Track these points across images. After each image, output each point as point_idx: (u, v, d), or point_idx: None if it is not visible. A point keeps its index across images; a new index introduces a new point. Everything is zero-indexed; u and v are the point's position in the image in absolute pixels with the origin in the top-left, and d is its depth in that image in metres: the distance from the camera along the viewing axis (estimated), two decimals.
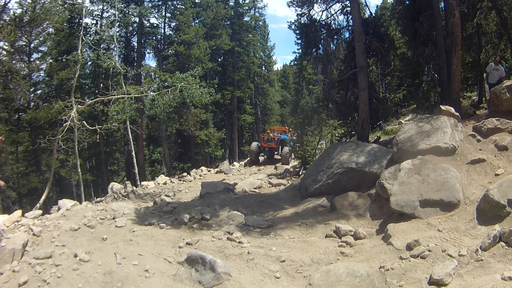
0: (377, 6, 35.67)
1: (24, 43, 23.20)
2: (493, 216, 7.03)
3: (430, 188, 8.34)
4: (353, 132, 17.16)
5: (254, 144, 28.86)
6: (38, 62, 25.80)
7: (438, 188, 8.23)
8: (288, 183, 16.53)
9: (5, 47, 17.80)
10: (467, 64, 15.91)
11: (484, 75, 13.95)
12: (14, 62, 19.68)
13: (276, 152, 28.53)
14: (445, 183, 8.27)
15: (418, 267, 6.22)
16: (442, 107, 11.12)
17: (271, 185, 16.37)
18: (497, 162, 9.02)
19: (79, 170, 20.02)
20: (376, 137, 17.04)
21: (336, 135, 19.99)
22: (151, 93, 19.64)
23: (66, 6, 22.13)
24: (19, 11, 18.68)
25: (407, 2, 15.78)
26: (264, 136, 29.06)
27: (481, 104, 15.38)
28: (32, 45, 24.93)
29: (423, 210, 8.10)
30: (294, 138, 28.79)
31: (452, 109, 11.03)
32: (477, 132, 10.42)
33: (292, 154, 27.14)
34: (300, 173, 18.34)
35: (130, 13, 28.94)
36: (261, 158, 29.16)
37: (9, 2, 17.36)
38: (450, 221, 7.56)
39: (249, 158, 30.15)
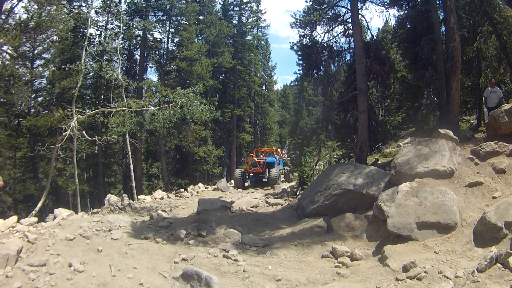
0: (378, 29, 36.08)
1: (28, 49, 23.32)
2: (490, 238, 7.05)
3: (427, 211, 8.34)
4: (351, 154, 17.20)
5: (238, 171, 25.21)
6: (40, 69, 25.98)
7: (435, 211, 8.24)
8: (285, 203, 16.46)
9: (8, 51, 17.84)
10: (466, 88, 15.97)
11: (483, 99, 14.05)
12: (17, 67, 19.71)
13: (262, 176, 24.76)
14: (442, 206, 8.28)
15: None
16: (441, 131, 11.18)
17: (268, 205, 16.30)
18: (495, 185, 9.07)
19: (77, 180, 19.97)
20: (374, 160, 17.05)
21: (335, 156, 20.03)
22: (152, 108, 19.74)
23: (71, 15, 22.31)
24: (25, 16, 18.78)
25: (409, 26, 15.91)
26: (248, 160, 25.57)
27: (479, 128, 15.43)
28: (35, 51, 25.15)
29: (420, 232, 8.09)
30: (285, 158, 28.06)
31: (451, 133, 11.10)
32: (475, 155, 10.50)
33: (282, 176, 25.95)
34: (298, 193, 18.26)
35: (134, 26, 29.17)
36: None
37: (15, 6, 17.50)
38: (447, 243, 7.56)
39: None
